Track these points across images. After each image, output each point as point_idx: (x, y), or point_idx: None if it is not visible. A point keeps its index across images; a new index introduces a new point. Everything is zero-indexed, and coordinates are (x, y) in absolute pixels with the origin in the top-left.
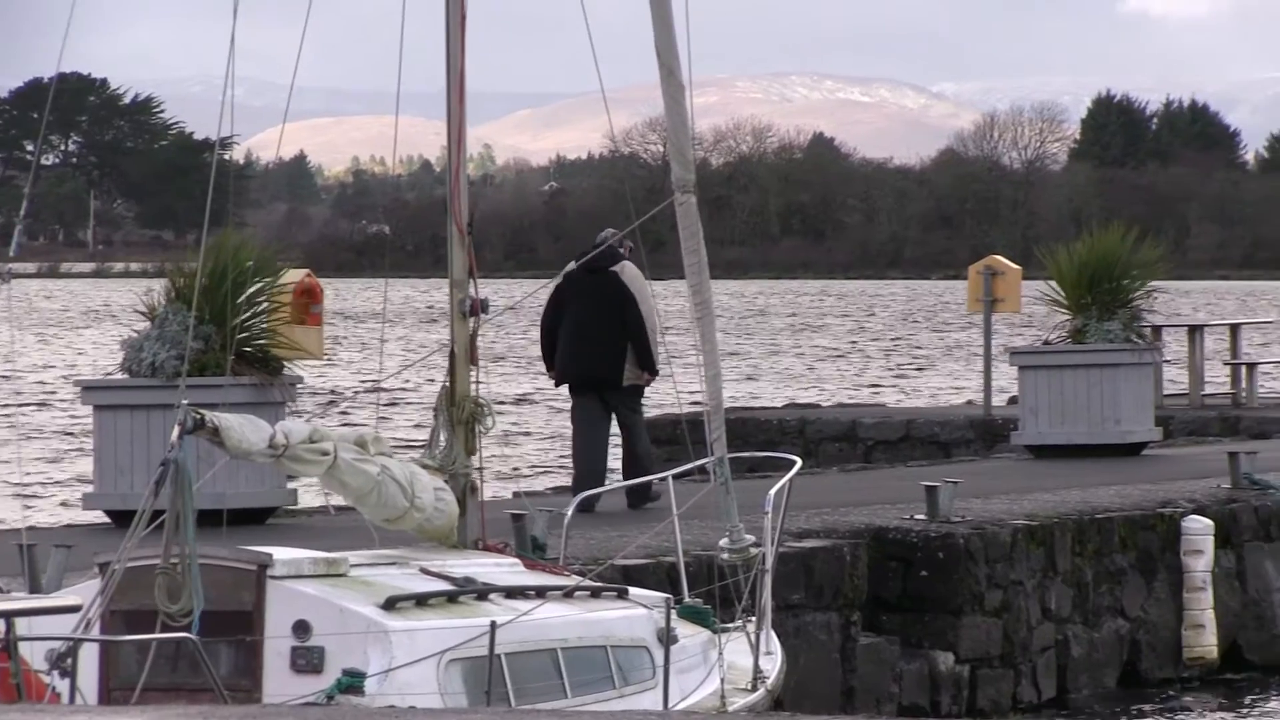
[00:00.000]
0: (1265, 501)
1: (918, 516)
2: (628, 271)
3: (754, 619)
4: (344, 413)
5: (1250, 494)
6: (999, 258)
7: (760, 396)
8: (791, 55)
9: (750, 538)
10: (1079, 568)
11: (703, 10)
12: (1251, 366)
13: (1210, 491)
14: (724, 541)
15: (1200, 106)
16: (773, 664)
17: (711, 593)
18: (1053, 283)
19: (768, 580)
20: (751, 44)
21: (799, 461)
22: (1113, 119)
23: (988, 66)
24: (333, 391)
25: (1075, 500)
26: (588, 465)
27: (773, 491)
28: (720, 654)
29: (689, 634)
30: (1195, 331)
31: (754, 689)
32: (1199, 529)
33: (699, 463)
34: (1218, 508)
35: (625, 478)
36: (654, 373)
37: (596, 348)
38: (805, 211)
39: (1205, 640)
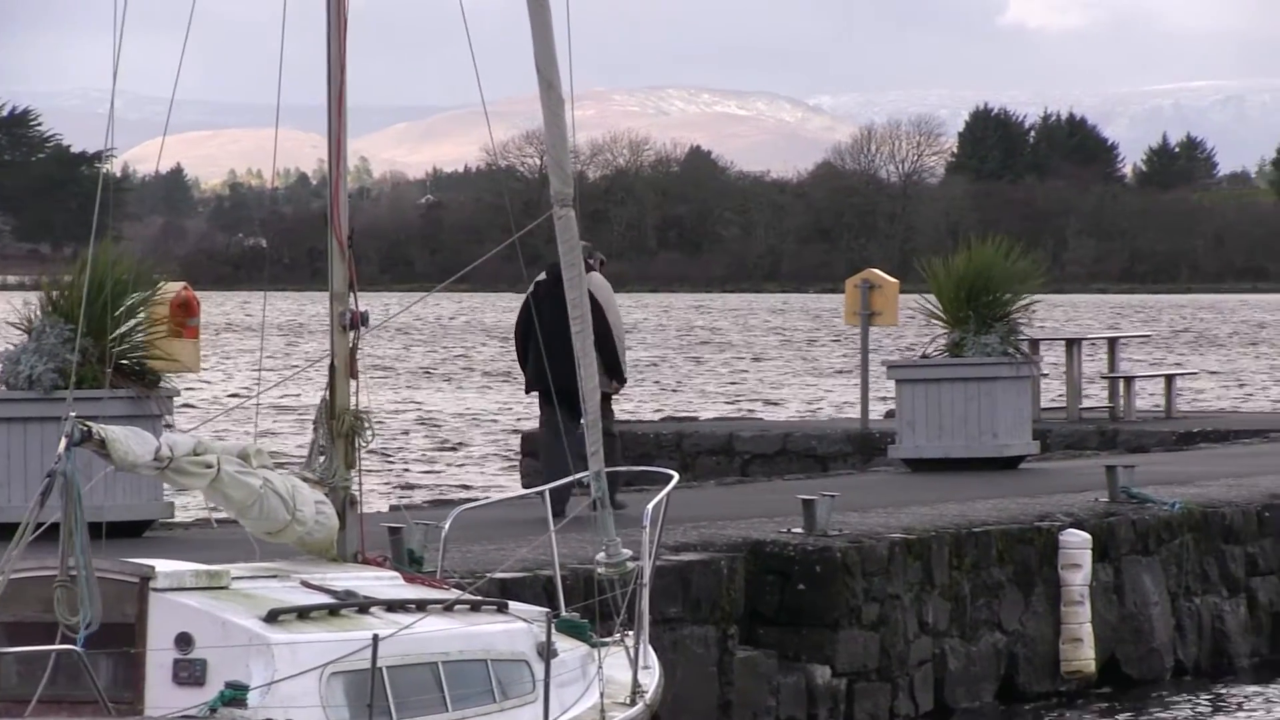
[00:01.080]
0: (1143, 515)
1: (795, 530)
2: (595, 282)
3: (632, 633)
4: (223, 425)
5: (1128, 507)
6: (876, 271)
7: (638, 410)
8: (669, 68)
9: (627, 552)
10: (956, 581)
11: (582, 23)
12: (1129, 380)
13: (1088, 505)
14: (601, 555)
15: (1078, 120)
16: (651, 678)
17: (589, 607)
18: (930, 296)
19: (645, 594)
20: (629, 57)
21: (676, 475)
22: (990, 132)
23: (865, 80)
24: (213, 403)
25: (953, 514)
26: (555, 473)
27: (650, 505)
28: (599, 668)
29: (568, 648)
30: (1073, 345)
31: (633, 703)
32: (1077, 542)
33: (576, 476)
34: (1095, 521)
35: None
36: (622, 380)
37: (566, 359)
38: (682, 225)
39: (1083, 654)
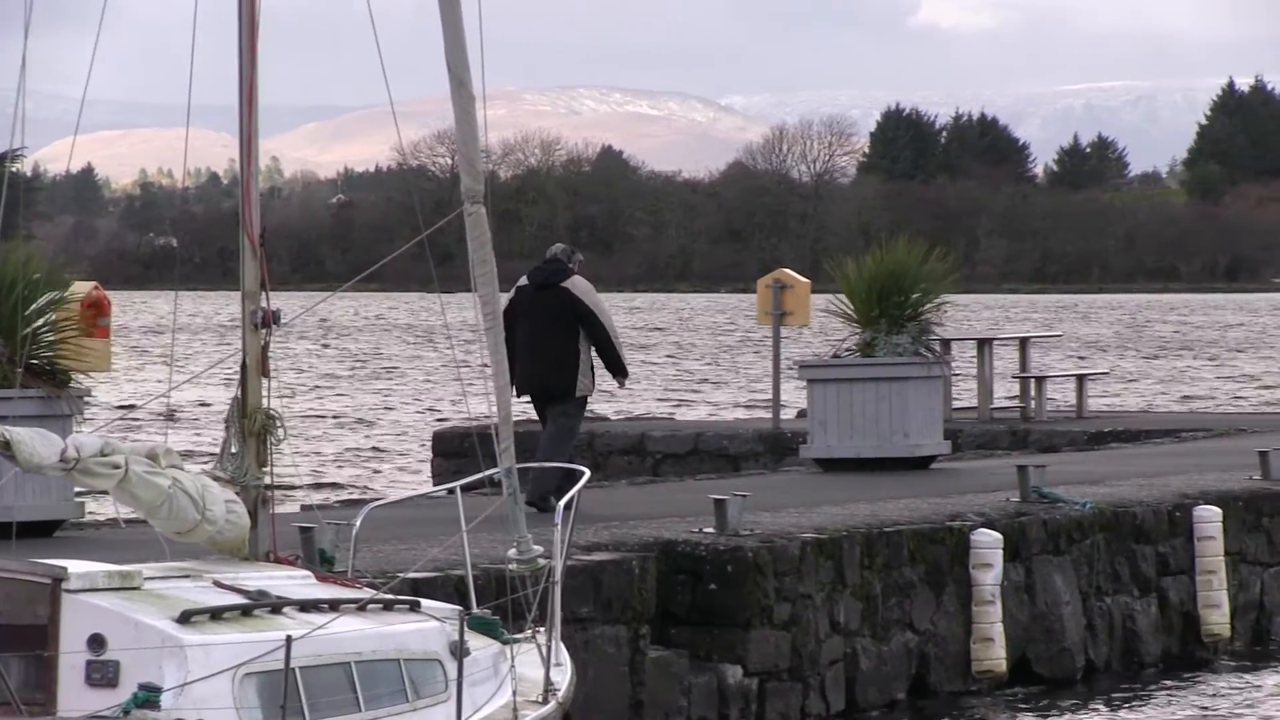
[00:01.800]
0: (1054, 515)
1: (706, 530)
2: (579, 286)
3: (543, 631)
4: (133, 425)
5: (1039, 507)
6: (788, 271)
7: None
8: (580, 68)
9: (539, 549)
10: (868, 581)
11: (493, 22)
12: (1040, 380)
13: (999, 505)
14: (512, 553)
15: (989, 120)
16: (563, 676)
17: (501, 605)
18: (842, 296)
19: (557, 592)
20: (541, 57)
21: (587, 473)
22: (902, 132)
23: (777, 80)
24: (124, 405)
25: (864, 513)
26: (542, 473)
27: (561, 503)
28: (512, 666)
29: (480, 646)
30: (984, 345)
31: (545, 701)
32: (988, 542)
33: (487, 473)
34: (1007, 521)
35: (532, 473)
36: (626, 374)
37: (550, 362)
38: (594, 224)
39: (994, 653)
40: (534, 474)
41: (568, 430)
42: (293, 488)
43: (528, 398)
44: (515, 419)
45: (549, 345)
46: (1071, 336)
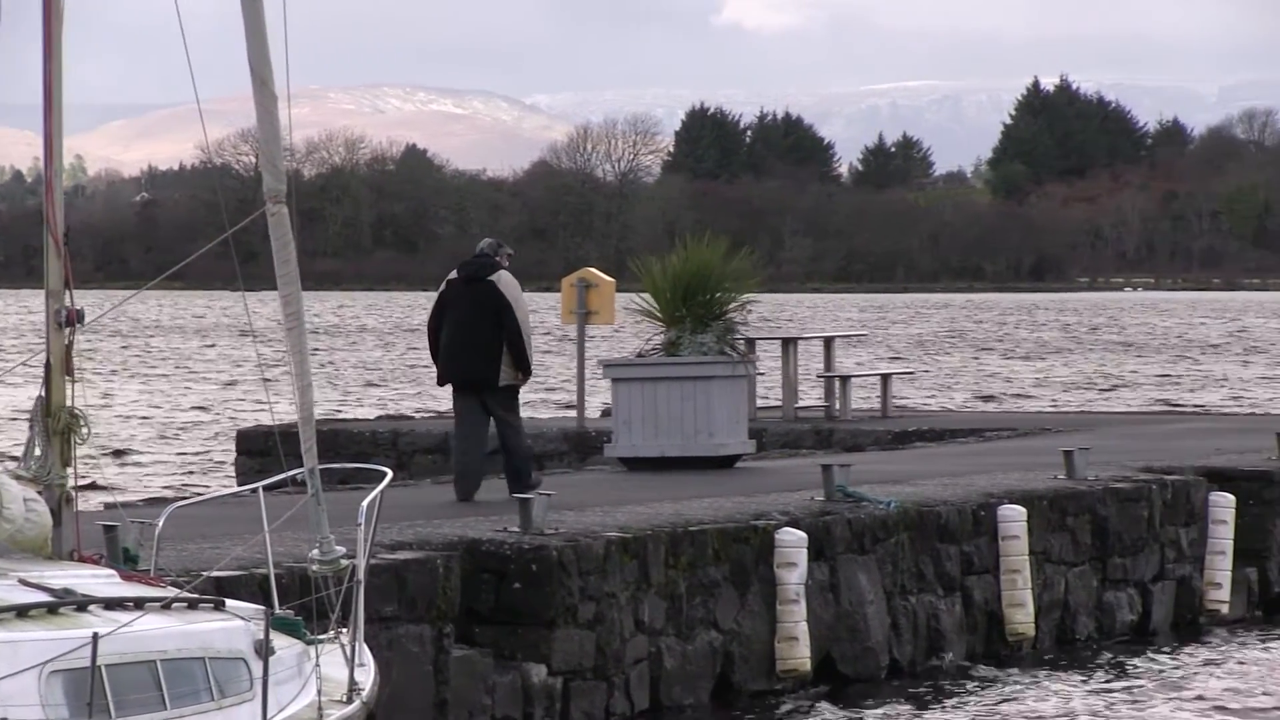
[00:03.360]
0: (859, 514)
1: (511, 529)
2: (504, 280)
3: (347, 631)
4: None
5: (844, 506)
6: (593, 270)
7: (356, 408)
8: (385, 67)
9: (341, 549)
10: (672, 580)
11: (297, 21)
12: (845, 379)
13: (804, 504)
14: (315, 553)
15: (794, 119)
16: (367, 676)
17: (305, 604)
18: (646, 295)
19: (360, 592)
20: (345, 55)
21: (390, 473)
22: (706, 131)
23: (582, 79)
24: None
25: (669, 513)
26: (465, 459)
27: (364, 503)
28: (316, 666)
29: (284, 646)
30: (789, 344)
31: (349, 701)
32: (792, 541)
33: (290, 473)
34: (811, 520)
35: (506, 470)
36: (528, 374)
37: (475, 352)
38: (398, 223)
39: (798, 652)
40: (460, 465)
41: (514, 424)
42: (97, 487)
43: (451, 385)
44: (317, 418)
45: (474, 337)
46: (899, 336)
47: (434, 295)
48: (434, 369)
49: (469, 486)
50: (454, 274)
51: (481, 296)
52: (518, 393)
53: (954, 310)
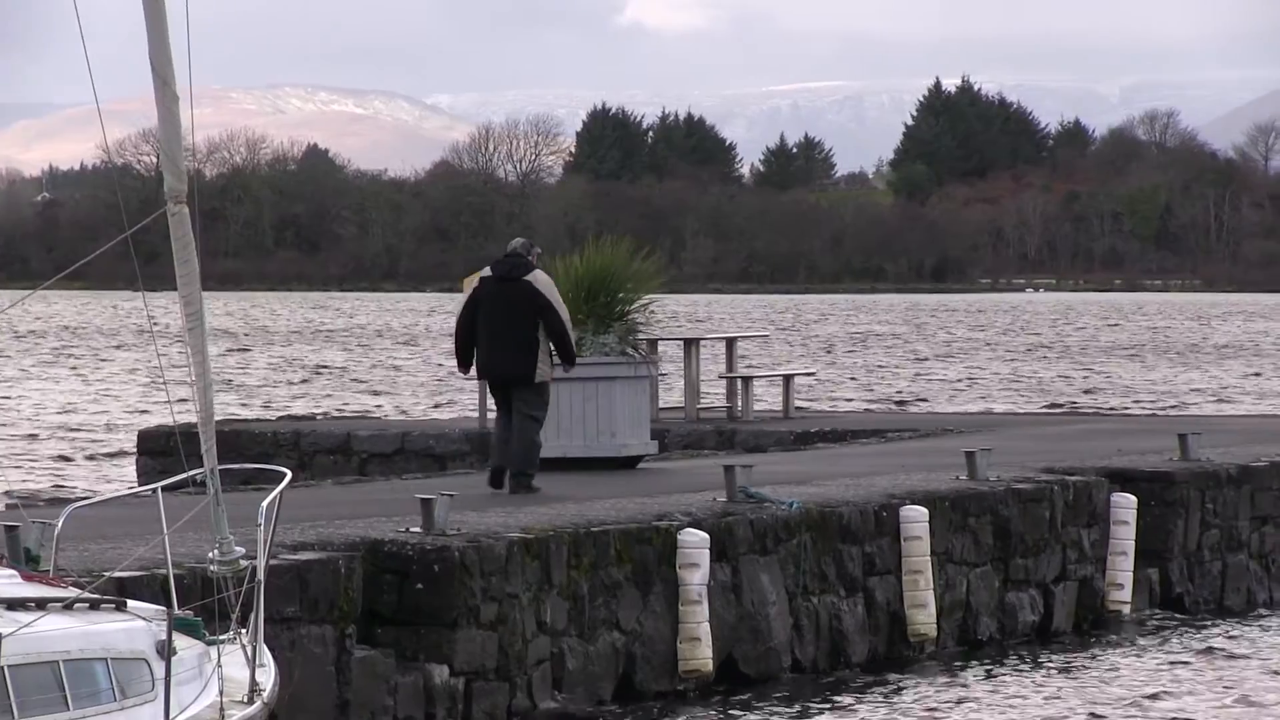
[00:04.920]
0: (761, 515)
1: (413, 529)
2: (540, 279)
3: (248, 631)
4: None
5: (746, 507)
6: None
7: (262, 408)
8: (286, 67)
9: (241, 550)
10: (575, 580)
11: (199, 21)
12: (747, 380)
13: (706, 505)
14: (215, 554)
15: (696, 120)
16: (268, 676)
17: (207, 605)
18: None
19: (261, 592)
20: (247, 55)
21: (290, 473)
22: (608, 132)
23: (483, 79)
24: None
25: (571, 513)
26: (505, 449)
27: (264, 503)
28: (217, 667)
29: (185, 646)
30: (691, 345)
31: (250, 701)
32: (695, 542)
33: (190, 474)
34: (714, 521)
35: (512, 458)
36: (574, 363)
37: (511, 349)
38: (299, 223)
39: (700, 653)
40: (500, 455)
41: (538, 420)
42: None
43: (488, 381)
44: (217, 419)
45: (510, 334)
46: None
47: (334, 295)
48: (452, 363)
49: (502, 477)
50: (487, 272)
51: (517, 295)
52: (547, 389)
53: (871, 312)
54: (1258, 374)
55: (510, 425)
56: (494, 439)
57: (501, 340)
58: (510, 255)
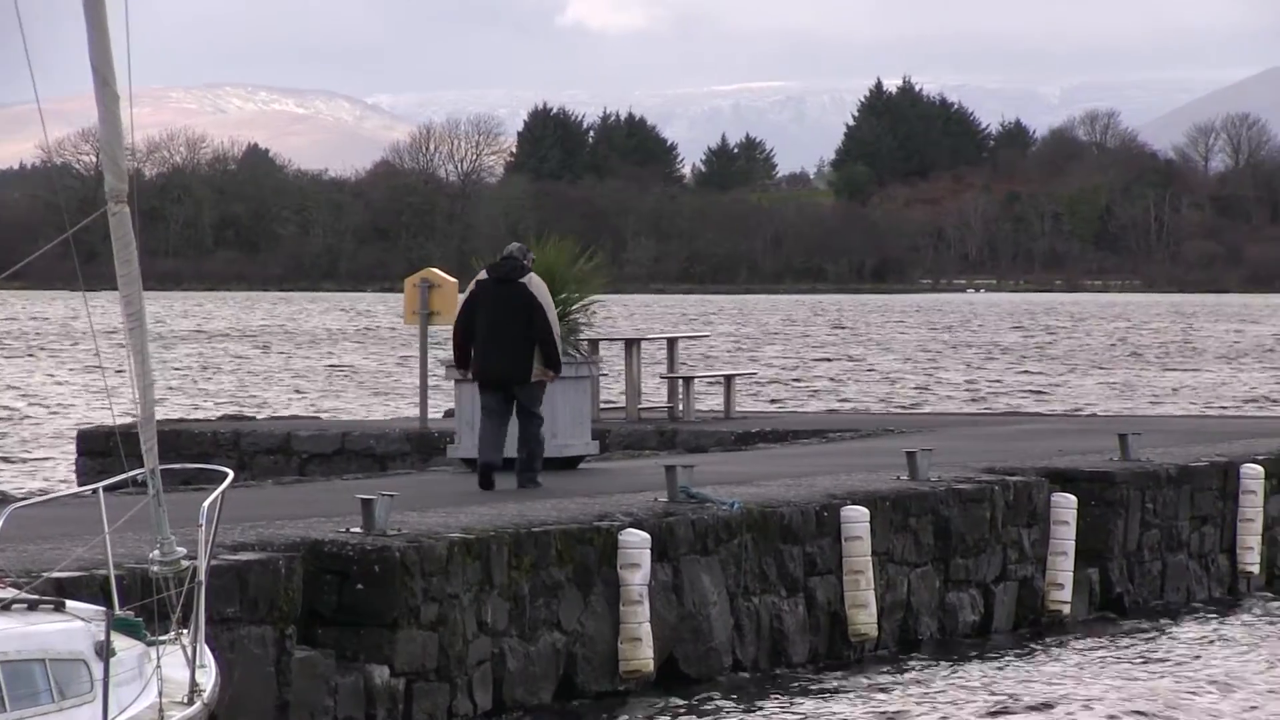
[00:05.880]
0: (702, 515)
1: (354, 530)
2: (534, 282)
3: (188, 632)
4: None
5: (687, 507)
6: (435, 270)
7: (199, 408)
8: (227, 67)
9: (182, 550)
10: (516, 581)
11: (139, 20)
12: (688, 380)
13: (647, 505)
14: (156, 554)
15: (637, 120)
16: (208, 677)
17: (147, 606)
18: None
19: (202, 593)
20: (187, 55)
21: (231, 473)
22: (549, 132)
23: (424, 79)
24: None
25: (512, 513)
26: (491, 449)
27: (206, 504)
28: (157, 668)
29: (125, 647)
30: (632, 345)
31: (190, 702)
32: (636, 542)
33: (130, 474)
34: (655, 521)
35: (520, 458)
36: (559, 370)
37: (508, 349)
38: (239, 223)
39: (641, 653)
40: (487, 455)
41: (538, 416)
42: None
43: (479, 381)
44: (158, 419)
45: (508, 335)
46: (783, 335)
47: (273, 295)
48: (454, 360)
49: (491, 476)
50: (484, 275)
51: (514, 297)
52: (544, 388)
53: (803, 309)
54: (1178, 371)
55: (499, 427)
56: (480, 439)
57: (500, 341)
58: (507, 258)
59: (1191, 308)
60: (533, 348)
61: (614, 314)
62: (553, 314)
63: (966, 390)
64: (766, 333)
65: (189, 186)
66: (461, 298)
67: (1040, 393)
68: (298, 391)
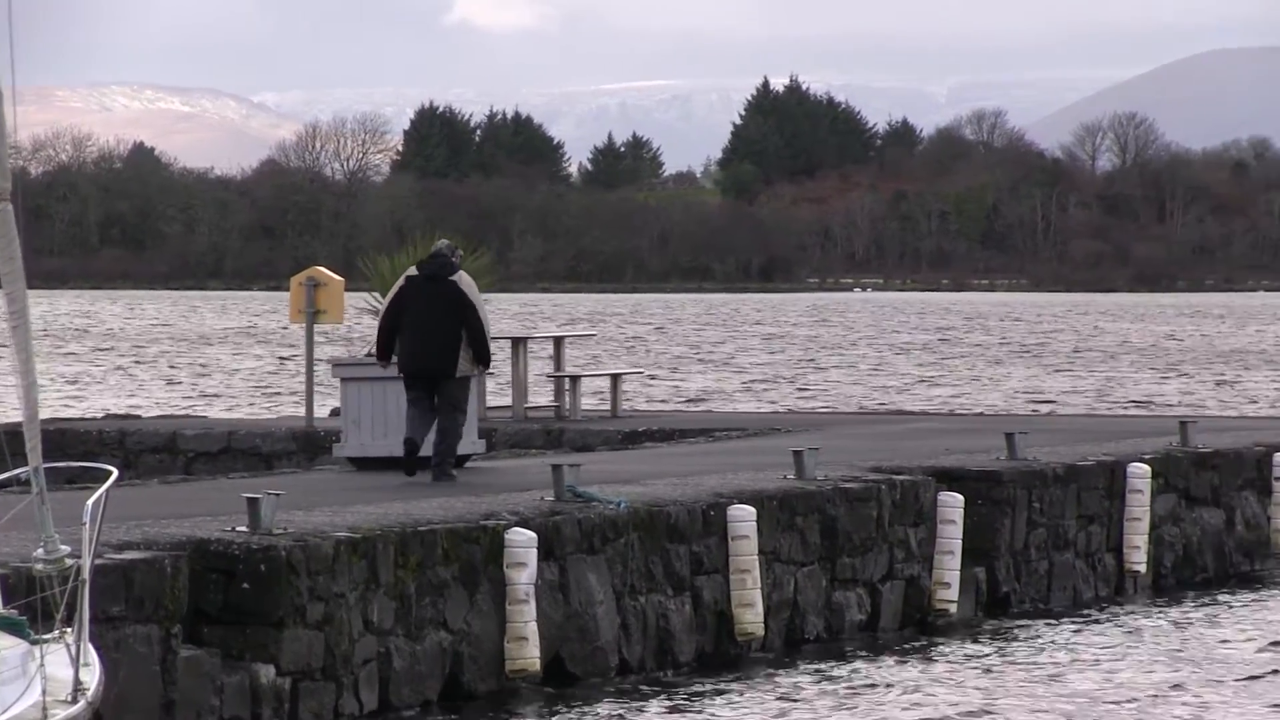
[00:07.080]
0: (588, 514)
1: (239, 529)
2: (464, 280)
3: (72, 630)
4: None
5: (574, 506)
6: (321, 269)
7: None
8: (112, 65)
9: (66, 548)
10: (402, 580)
11: (23, 18)
12: (575, 379)
13: (534, 504)
14: (39, 552)
15: (524, 118)
16: (92, 676)
17: (30, 604)
18: (375, 294)
19: (86, 591)
20: (73, 53)
21: (115, 472)
22: (436, 130)
23: (310, 77)
24: None
25: (398, 512)
26: (415, 441)
27: (90, 502)
28: (41, 666)
29: (7, 646)
30: (519, 344)
31: (74, 701)
32: (522, 541)
33: (14, 472)
34: (541, 520)
35: (436, 451)
36: (488, 365)
37: (437, 345)
38: (125, 222)
39: (528, 652)
40: (410, 447)
41: (461, 411)
42: None
43: (405, 376)
44: (42, 418)
45: (435, 331)
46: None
47: (157, 293)
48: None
49: (414, 463)
50: (413, 272)
51: (442, 295)
52: (470, 383)
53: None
54: (1058, 371)
55: (425, 412)
56: (407, 419)
57: (428, 337)
58: (436, 256)
59: (1082, 307)
60: (459, 344)
61: (499, 312)
62: (484, 310)
63: (855, 388)
64: (661, 331)
65: (74, 185)
66: (390, 293)
67: (928, 391)
68: (180, 390)
